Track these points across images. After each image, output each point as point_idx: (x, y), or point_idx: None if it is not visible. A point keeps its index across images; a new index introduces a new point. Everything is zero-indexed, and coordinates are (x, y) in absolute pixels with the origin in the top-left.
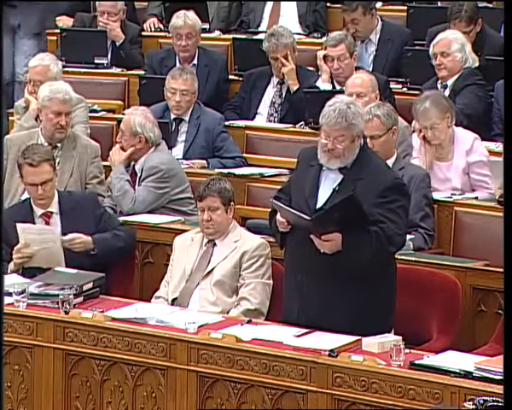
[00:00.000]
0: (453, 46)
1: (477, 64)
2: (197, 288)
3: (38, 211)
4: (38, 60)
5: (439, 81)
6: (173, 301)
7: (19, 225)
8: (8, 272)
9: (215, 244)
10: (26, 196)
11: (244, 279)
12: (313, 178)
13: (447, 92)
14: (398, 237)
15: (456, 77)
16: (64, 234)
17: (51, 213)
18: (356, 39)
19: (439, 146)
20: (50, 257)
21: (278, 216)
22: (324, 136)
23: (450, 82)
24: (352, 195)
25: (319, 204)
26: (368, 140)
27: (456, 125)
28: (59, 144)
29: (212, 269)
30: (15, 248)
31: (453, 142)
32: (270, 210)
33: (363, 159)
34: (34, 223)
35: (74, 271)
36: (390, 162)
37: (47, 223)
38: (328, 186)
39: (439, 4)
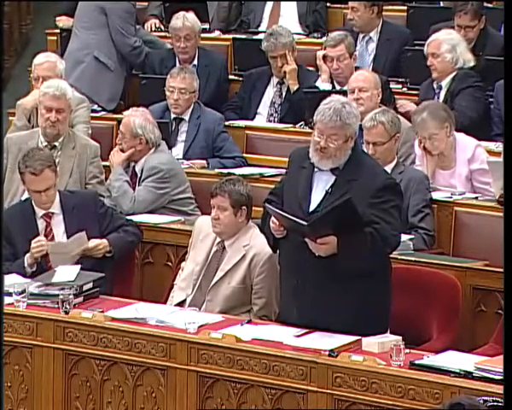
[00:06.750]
0: (442, 47)
1: (471, 64)
2: (205, 301)
3: (40, 212)
4: (44, 57)
5: (435, 82)
6: (180, 303)
7: (51, 244)
8: (25, 265)
9: (224, 247)
10: (26, 195)
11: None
12: (306, 180)
13: (443, 93)
14: (393, 238)
15: (450, 78)
16: (68, 234)
17: (52, 213)
18: (355, 32)
19: (441, 155)
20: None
21: (272, 222)
22: (318, 133)
23: (444, 83)
24: (348, 199)
25: (312, 206)
26: (370, 146)
27: (457, 126)
28: (57, 144)
29: (219, 279)
30: (36, 239)
31: (455, 149)
32: (262, 213)
33: (355, 160)
34: (36, 223)
35: None
36: (390, 167)
37: (48, 223)
38: (320, 188)
39: (441, 4)
